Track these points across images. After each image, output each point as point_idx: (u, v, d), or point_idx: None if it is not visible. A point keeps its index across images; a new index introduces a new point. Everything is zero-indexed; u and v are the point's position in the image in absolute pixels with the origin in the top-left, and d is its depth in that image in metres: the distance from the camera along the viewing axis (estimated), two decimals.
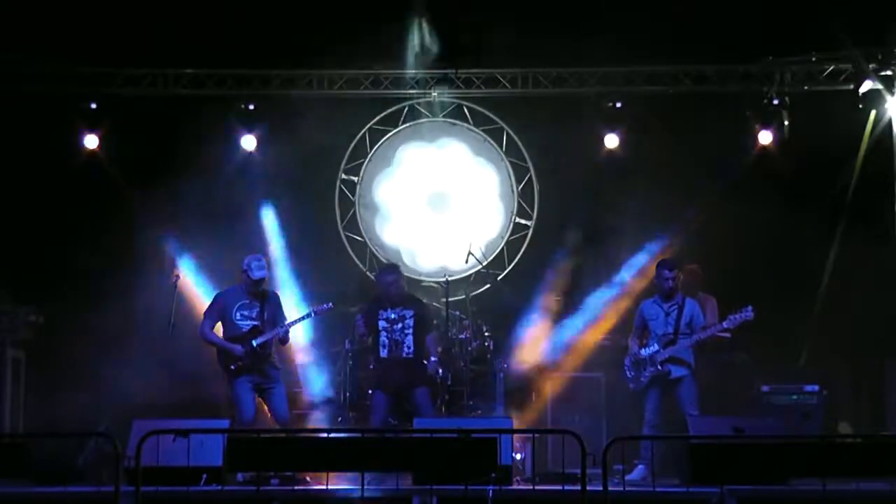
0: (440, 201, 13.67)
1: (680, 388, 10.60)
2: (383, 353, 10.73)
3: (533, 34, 12.56)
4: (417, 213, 13.68)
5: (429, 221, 13.65)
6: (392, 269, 11.14)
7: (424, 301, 11.65)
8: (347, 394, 11.70)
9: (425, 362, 10.85)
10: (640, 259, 12.61)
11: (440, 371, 11.24)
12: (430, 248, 13.61)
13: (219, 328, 10.66)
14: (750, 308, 10.43)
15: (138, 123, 12.86)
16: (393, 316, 10.75)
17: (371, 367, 11.45)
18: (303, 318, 10.83)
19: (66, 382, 12.08)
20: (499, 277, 13.15)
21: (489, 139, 13.64)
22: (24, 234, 12.61)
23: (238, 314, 10.53)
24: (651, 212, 12.73)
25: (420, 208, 13.68)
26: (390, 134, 13.67)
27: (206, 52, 12.87)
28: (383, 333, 10.72)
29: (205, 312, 10.77)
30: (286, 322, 10.63)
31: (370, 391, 11.22)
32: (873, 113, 12.35)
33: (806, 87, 12.81)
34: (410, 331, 10.69)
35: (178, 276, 11.62)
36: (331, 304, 10.89)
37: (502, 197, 13.66)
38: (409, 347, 10.69)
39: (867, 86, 12.23)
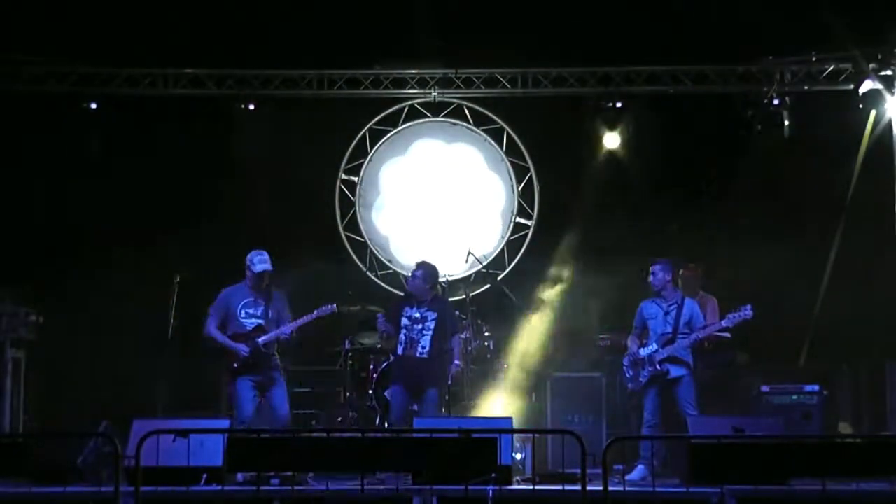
0: (440, 202, 13.68)
1: (679, 388, 10.57)
2: (399, 351, 10.70)
3: (533, 33, 12.57)
4: (414, 204, 13.70)
5: (424, 217, 13.68)
6: (421, 265, 10.98)
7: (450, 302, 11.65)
8: (348, 393, 11.71)
9: (449, 365, 10.75)
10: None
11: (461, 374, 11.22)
12: (413, 241, 13.60)
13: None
14: (749, 307, 10.39)
15: (138, 123, 12.86)
16: (416, 315, 10.70)
17: (384, 364, 11.43)
18: (306, 319, 10.81)
19: (66, 382, 12.08)
20: (499, 277, 13.14)
21: (489, 139, 13.64)
22: (24, 234, 12.60)
23: (243, 312, 10.48)
24: (651, 211, 12.72)
25: (418, 201, 13.69)
26: (390, 134, 13.67)
27: (206, 52, 12.87)
28: (403, 331, 10.68)
29: (210, 309, 10.71)
30: (290, 323, 10.60)
31: (387, 387, 11.17)
32: (873, 113, 12.36)
33: (806, 87, 12.83)
34: (430, 333, 10.63)
35: (178, 277, 11.61)
36: (334, 305, 10.86)
37: (503, 215, 13.67)
38: (423, 348, 10.63)
39: (867, 86, 12.24)
